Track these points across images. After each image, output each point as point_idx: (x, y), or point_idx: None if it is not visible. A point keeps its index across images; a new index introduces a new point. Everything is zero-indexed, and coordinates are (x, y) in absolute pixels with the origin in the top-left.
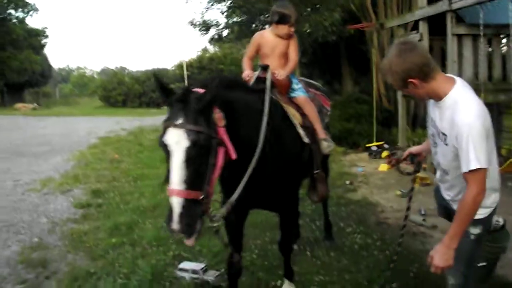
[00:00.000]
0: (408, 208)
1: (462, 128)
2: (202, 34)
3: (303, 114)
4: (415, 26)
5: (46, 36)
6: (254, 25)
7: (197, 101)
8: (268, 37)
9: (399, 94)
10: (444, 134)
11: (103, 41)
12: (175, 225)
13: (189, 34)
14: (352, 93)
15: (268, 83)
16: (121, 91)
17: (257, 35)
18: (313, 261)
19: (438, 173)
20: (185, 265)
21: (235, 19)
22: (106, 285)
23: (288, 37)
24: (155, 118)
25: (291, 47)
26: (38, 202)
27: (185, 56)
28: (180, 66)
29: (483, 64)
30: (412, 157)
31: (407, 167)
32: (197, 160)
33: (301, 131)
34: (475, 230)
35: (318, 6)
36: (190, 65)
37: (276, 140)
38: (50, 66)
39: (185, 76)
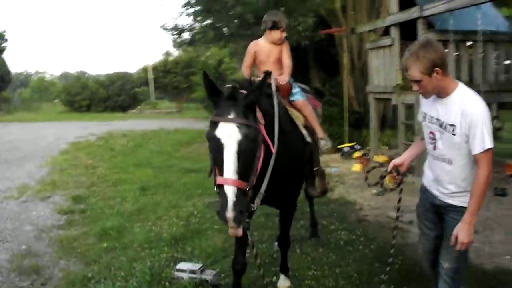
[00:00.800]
0: (398, 209)
1: (477, 116)
2: (174, 38)
3: (303, 116)
4: (385, 31)
5: (6, 40)
6: (227, 29)
7: (246, 98)
8: (262, 45)
9: (371, 97)
10: (452, 125)
11: (62, 45)
12: (230, 213)
13: (151, 37)
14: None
15: (273, 88)
16: (86, 95)
17: (252, 44)
18: (303, 258)
19: (432, 174)
20: (183, 265)
21: (206, 22)
22: None
23: (280, 43)
24: (122, 123)
25: (285, 53)
26: (18, 209)
27: (148, 59)
28: (145, 70)
29: (452, 68)
30: (397, 169)
31: (389, 184)
32: (247, 152)
33: (304, 131)
34: None
35: (292, 12)
36: (155, 68)
37: (284, 140)
38: (9, 71)
39: (151, 80)
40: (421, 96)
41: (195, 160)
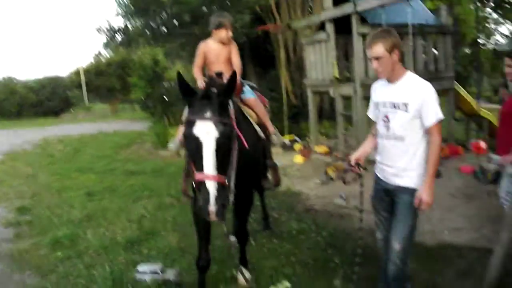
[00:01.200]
0: (361, 203)
1: (429, 93)
2: (108, 40)
3: (255, 113)
4: (320, 26)
5: None
6: (164, 29)
7: (219, 97)
8: (211, 45)
9: (309, 90)
10: (405, 103)
11: None
12: (212, 207)
13: (79, 40)
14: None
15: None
16: (14, 101)
17: (201, 44)
18: (260, 249)
19: (384, 157)
20: (143, 267)
21: (143, 23)
22: None
23: (228, 42)
24: (57, 128)
25: (233, 53)
26: None
27: (79, 62)
28: (77, 73)
29: None
30: (358, 163)
31: (349, 177)
32: (224, 148)
33: (257, 128)
34: (413, 199)
35: (228, 9)
36: (87, 71)
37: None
38: None
39: (83, 83)
40: (372, 89)
41: (137, 162)
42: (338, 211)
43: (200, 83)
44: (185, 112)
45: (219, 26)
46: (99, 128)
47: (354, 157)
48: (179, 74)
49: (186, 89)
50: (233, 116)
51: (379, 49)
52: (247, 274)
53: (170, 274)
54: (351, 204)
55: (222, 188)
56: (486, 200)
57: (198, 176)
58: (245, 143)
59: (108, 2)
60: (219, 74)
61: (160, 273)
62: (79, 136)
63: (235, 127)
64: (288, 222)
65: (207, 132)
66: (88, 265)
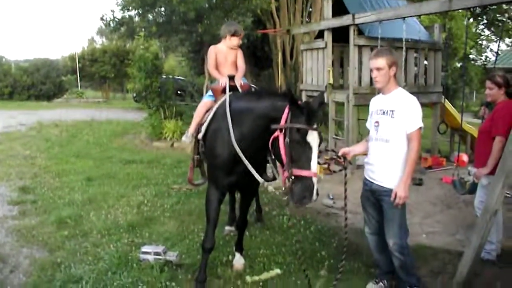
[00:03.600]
0: (345, 205)
1: (412, 104)
2: (112, 30)
3: None
4: (318, 34)
5: None
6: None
7: (318, 110)
8: (221, 49)
9: (304, 94)
10: (392, 110)
11: None
12: (315, 196)
13: (72, 23)
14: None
15: (239, 89)
16: (8, 83)
17: (212, 48)
18: (253, 240)
19: (371, 158)
20: (147, 248)
21: (149, 18)
22: (76, 272)
23: (236, 47)
24: (50, 112)
25: (239, 58)
26: None
27: (70, 46)
28: (72, 58)
29: None
30: (344, 156)
31: (336, 167)
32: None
33: None
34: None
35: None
36: (82, 57)
37: None
38: None
39: (78, 68)
40: (370, 102)
41: (133, 152)
42: (325, 210)
43: (223, 81)
44: (286, 116)
45: (235, 33)
46: (92, 115)
47: (342, 150)
48: (289, 91)
49: (296, 104)
50: None
51: (381, 61)
52: (242, 260)
53: (172, 256)
54: (338, 205)
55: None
56: (462, 209)
57: (304, 172)
58: None
59: None
60: (232, 77)
61: (163, 255)
62: (74, 122)
63: None
64: (279, 216)
65: (315, 139)
66: (93, 244)
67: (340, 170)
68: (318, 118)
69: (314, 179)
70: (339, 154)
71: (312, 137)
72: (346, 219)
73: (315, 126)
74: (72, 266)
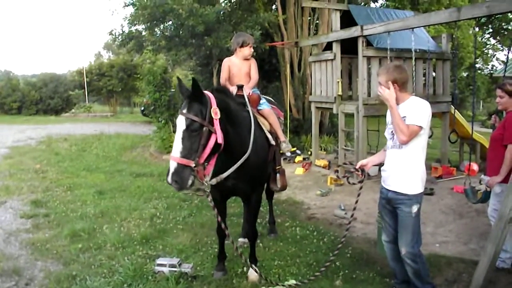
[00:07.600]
0: (354, 208)
1: (421, 105)
2: (121, 45)
3: (269, 123)
4: (326, 46)
5: None
6: (178, 39)
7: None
8: (234, 61)
9: (313, 106)
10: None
11: None
12: (169, 179)
13: (78, 38)
14: None
15: (246, 99)
16: (16, 97)
17: (226, 60)
18: (267, 251)
19: (387, 165)
20: (162, 260)
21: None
22: (92, 284)
23: (249, 59)
24: (59, 126)
25: (253, 68)
26: None
27: (77, 61)
28: (79, 72)
29: None
30: (362, 168)
31: (352, 179)
32: (190, 138)
33: (269, 135)
34: (415, 208)
35: (240, 24)
36: (89, 71)
37: (254, 141)
38: None
39: (86, 83)
40: (388, 112)
41: (142, 165)
42: (337, 221)
43: (233, 89)
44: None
45: (243, 44)
46: (101, 129)
47: (360, 162)
48: (178, 78)
49: (183, 88)
50: (215, 116)
51: (381, 79)
52: (256, 272)
53: (187, 268)
54: (350, 216)
55: (182, 168)
56: (475, 218)
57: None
58: (219, 138)
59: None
60: (240, 87)
61: (178, 267)
62: (83, 136)
63: (214, 125)
64: (292, 228)
65: (180, 123)
66: (108, 257)
67: (360, 182)
68: (192, 104)
69: (172, 163)
70: (357, 166)
71: (178, 121)
72: (350, 222)
73: (183, 110)
74: (87, 279)
